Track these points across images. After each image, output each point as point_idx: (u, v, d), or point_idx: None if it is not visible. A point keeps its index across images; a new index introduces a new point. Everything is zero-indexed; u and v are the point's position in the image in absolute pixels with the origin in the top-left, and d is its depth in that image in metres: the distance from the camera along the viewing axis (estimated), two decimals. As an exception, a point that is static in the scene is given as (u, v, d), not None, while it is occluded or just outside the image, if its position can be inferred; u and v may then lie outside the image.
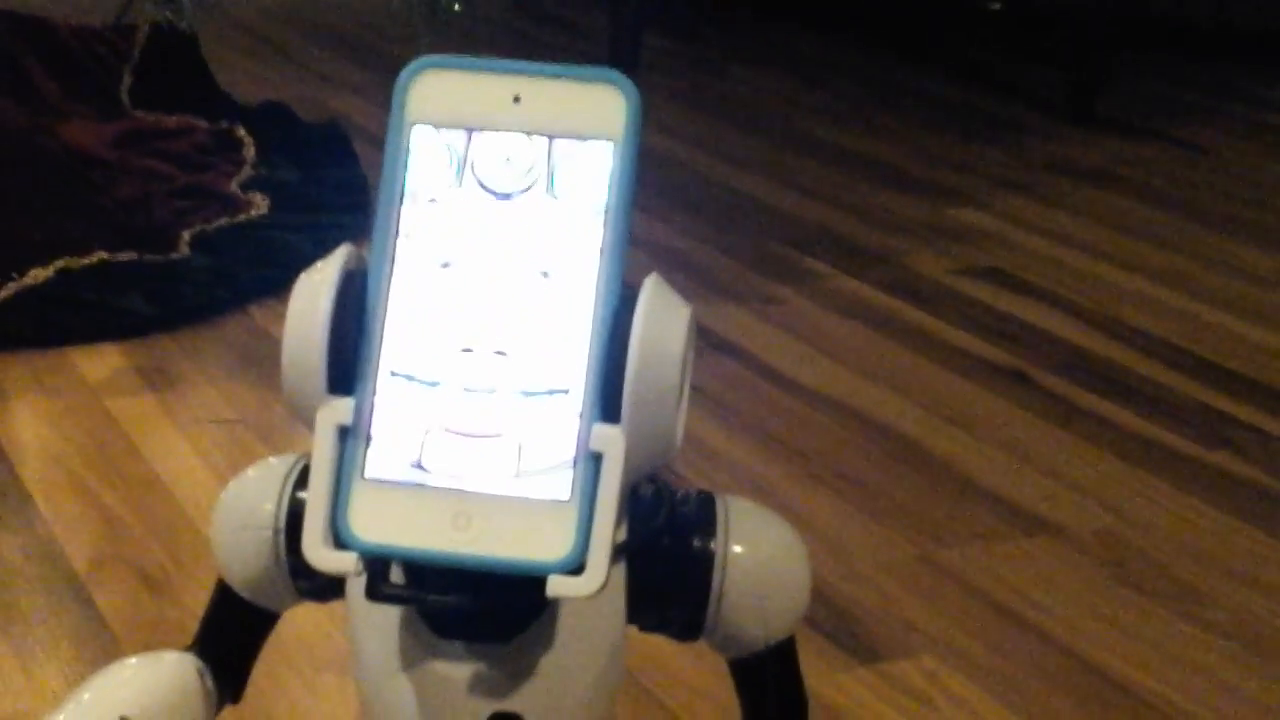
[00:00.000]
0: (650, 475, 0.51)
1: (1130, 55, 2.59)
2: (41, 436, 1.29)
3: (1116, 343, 1.59)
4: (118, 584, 1.08)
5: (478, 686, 0.50)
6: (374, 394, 0.46)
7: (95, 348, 1.45)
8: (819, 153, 2.22)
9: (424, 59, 0.47)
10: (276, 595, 0.57)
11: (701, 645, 0.56)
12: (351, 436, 0.46)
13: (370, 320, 0.46)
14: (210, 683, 0.58)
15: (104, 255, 1.60)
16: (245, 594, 0.57)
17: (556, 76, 0.47)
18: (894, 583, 1.13)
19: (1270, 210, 2.06)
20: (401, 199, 0.47)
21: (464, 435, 0.45)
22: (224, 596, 0.58)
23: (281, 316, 0.47)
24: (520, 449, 0.45)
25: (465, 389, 0.46)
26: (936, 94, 2.58)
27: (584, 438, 0.45)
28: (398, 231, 0.47)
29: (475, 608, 0.48)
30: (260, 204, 1.79)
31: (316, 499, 0.45)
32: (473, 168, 0.47)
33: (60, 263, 1.58)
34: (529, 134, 0.47)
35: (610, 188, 0.46)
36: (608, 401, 0.45)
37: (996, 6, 2.83)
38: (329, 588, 0.55)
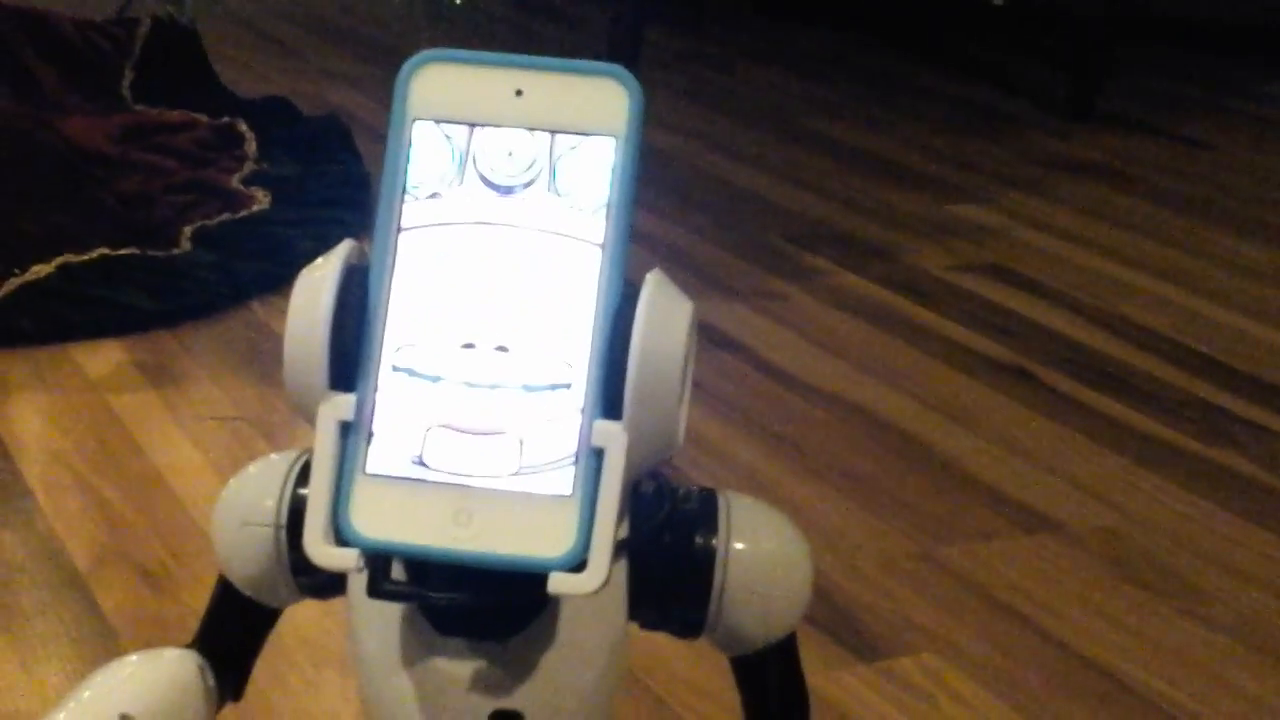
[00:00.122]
0: (651, 472, 0.51)
1: (1131, 51, 2.59)
2: (42, 433, 1.29)
3: (1117, 339, 1.59)
4: (118, 581, 1.08)
5: (478, 684, 0.50)
6: (376, 390, 0.46)
7: (96, 344, 1.45)
8: (820, 149, 2.22)
9: (425, 53, 0.47)
10: (277, 592, 0.57)
11: (703, 643, 0.56)
12: (353, 432, 0.46)
13: (372, 316, 0.46)
14: (211, 680, 0.58)
15: (105, 251, 1.60)
16: (246, 591, 0.57)
17: (559, 71, 0.47)
18: (895, 580, 1.13)
19: (1271, 206, 2.06)
20: (403, 194, 0.47)
21: (465, 431, 0.45)
22: (225, 593, 0.58)
23: (283, 312, 0.46)
24: (522, 445, 0.45)
25: (467, 385, 0.46)
26: (938, 90, 2.58)
27: (586, 434, 0.45)
28: (399, 226, 0.46)
29: (476, 605, 0.48)
30: (261, 199, 1.79)
31: (318, 495, 0.45)
32: (474, 162, 0.47)
33: (61, 258, 1.58)
34: (531, 129, 0.47)
35: (612, 183, 0.46)
36: (609, 397, 0.45)
37: (998, 3, 2.83)
38: (330, 584, 0.54)
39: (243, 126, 2.01)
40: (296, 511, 0.54)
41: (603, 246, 0.46)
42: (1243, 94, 2.62)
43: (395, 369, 0.46)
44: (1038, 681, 1.02)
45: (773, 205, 1.97)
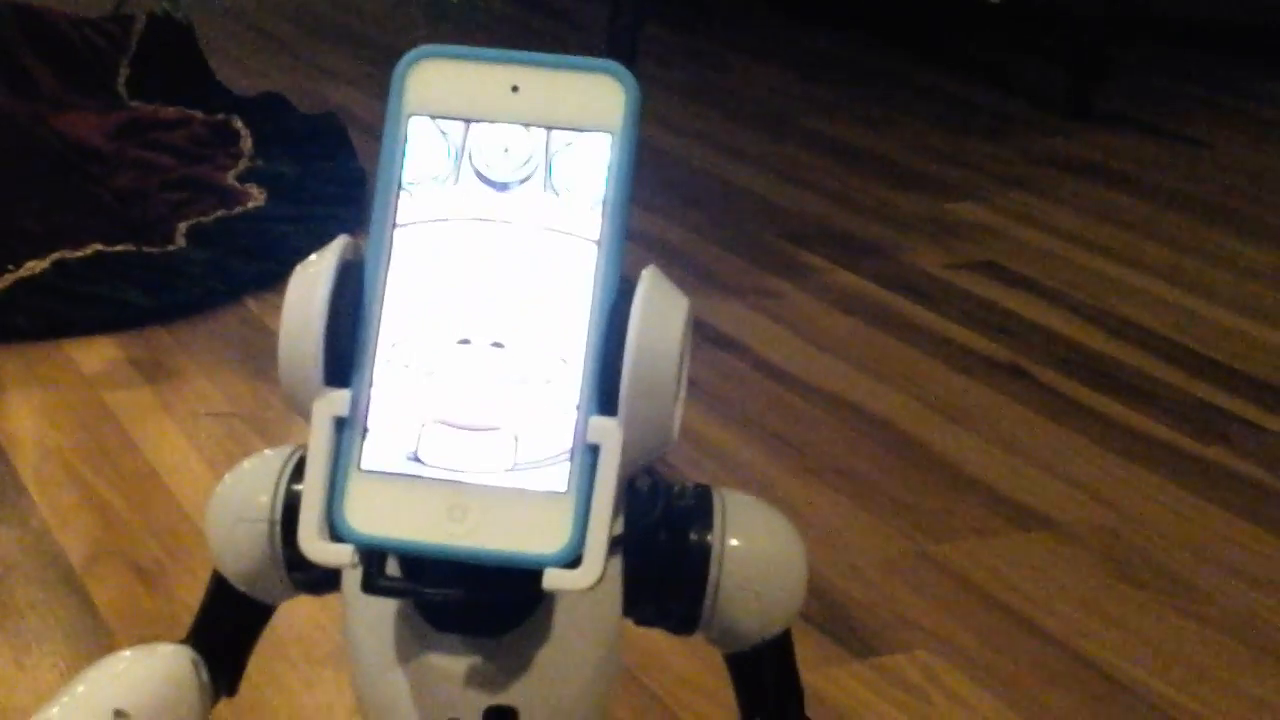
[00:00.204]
0: (647, 468, 0.51)
1: (1129, 50, 2.59)
2: (37, 429, 1.29)
3: (1114, 338, 1.59)
4: (113, 577, 1.08)
5: (473, 680, 0.50)
6: (371, 386, 0.46)
7: (91, 340, 1.45)
8: (816, 146, 2.22)
9: (422, 48, 0.47)
10: (272, 588, 0.57)
11: (698, 639, 0.56)
12: (348, 428, 0.46)
13: (367, 312, 0.46)
14: (205, 676, 0.58)
15: (100, 247, 1.60)
16: (241, 587, 0.57)
17: (555, 67, 0.47)
18: (890, 577, 1.13)
19: (1268, 205, 2.06)
20: (399, 189, 0.46)
21: (461, 427, 0.45)
22: (219, 589, 0.58)
23: (278, 309, 0.46)
24: (517, 441, 0.45)
25: (462, 381, 0.45)
26: (934, 88, 2.58)
27: (581, 430, 0.45)
28: (395, 222, 0.46)
29: (471, 601, 0.48)
30: (257, 196, 1.79)
31: (312, 491, 0.45)
32: (470, 158, 0.47)
33: (56, 254, 1.57)
34: (527, 125, 0.46)
35: (608, 179, 0.46)
36: (605, 393, 0.45)
37: (995, 1, 2.83)
38: (325, 580, 0.54)
39: (238, 123, 2.00)
40: (291, 507, 0.54)
41: (599, 243, 0.46)
42: (1241, 93, 2.62)
43: (390, 365, 0.46)
44: (1033, 679, 1.02)
45: (769, 203, 1.97)
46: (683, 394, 0.47)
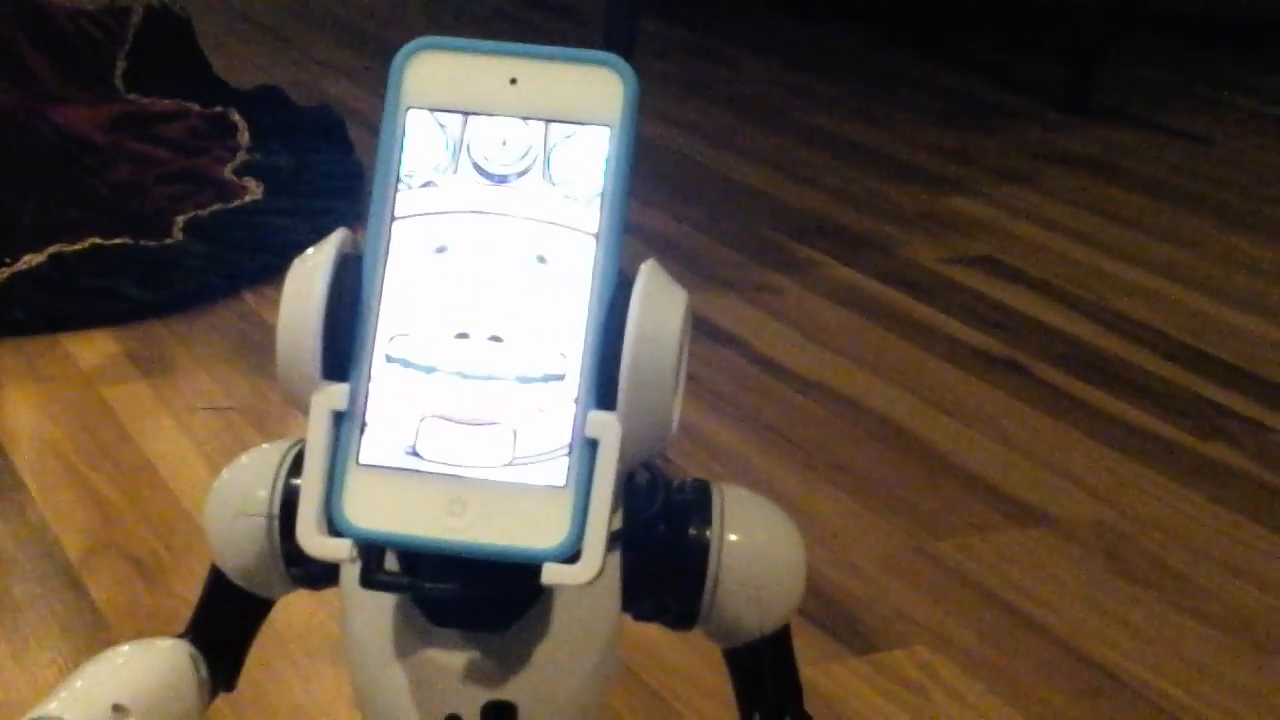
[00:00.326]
0: (645, 463, 0.51)
1: (1126, 44, 2.59)
2: (34, 423, 1.29)
3: (1111, 333, 1.59)
4: (111, 571, 1.07)
5: (472, 675, 0.50)
6: (369, 380, 0.45)
7: (88, 334, 1.45)
8: (814, 141, 2.22)
9: (420, 41, 0.47)
10: (270, 582, 0.57)
11: (696, 634, 0.56)
12: (346, 422, 0.45)
13: (365, 305, 0.46)
14: (204, 670, 0.57)
15: (97, 240, 1.60)
16: (239, 581, 0.57)
17: (554, 59, 0.47)
18: (888, 573, 1.13)
19: (1267, 201, 2.06)
20: (397, 182, 0.46)
21: (459, 422, 0.45)
22: (218, 584, 0.58)
23: (275, 302, 0.46)
24: (515, 435, 0.45)
25: (460, 375, 0.45)
26: (932, 82, 2.58)
27: (580, 424, 0.45)
28: (393, 215, 0.46)
29: (470, 595, 0.48)
30: (254, 189, 1.79)
31: (311, 485, 0.45)
32: (469, 151, 0.46)
33: (53, 248, 1.57)
34: (525, 118, 0.46)
35: (607, 173, 0.46)
36: (603, 388, 0.45)
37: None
38: (323, 575, 0.54)
39: (235, 116, 2.00)
40: (289, 502, 0.54)
41: (597, 236, 0.46)
42: (1238, 88, 2.62)
43: (389, 359, 0.46)
44: (1030, 674, 1.02)
45: (767, 198, 1.97)
46: (681, 388, 0.47)
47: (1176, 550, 1.18)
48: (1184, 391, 1.46)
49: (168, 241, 1.63)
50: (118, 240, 1.61)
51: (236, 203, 1.74)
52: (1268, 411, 1.42)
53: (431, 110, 0.47)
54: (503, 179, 0.46)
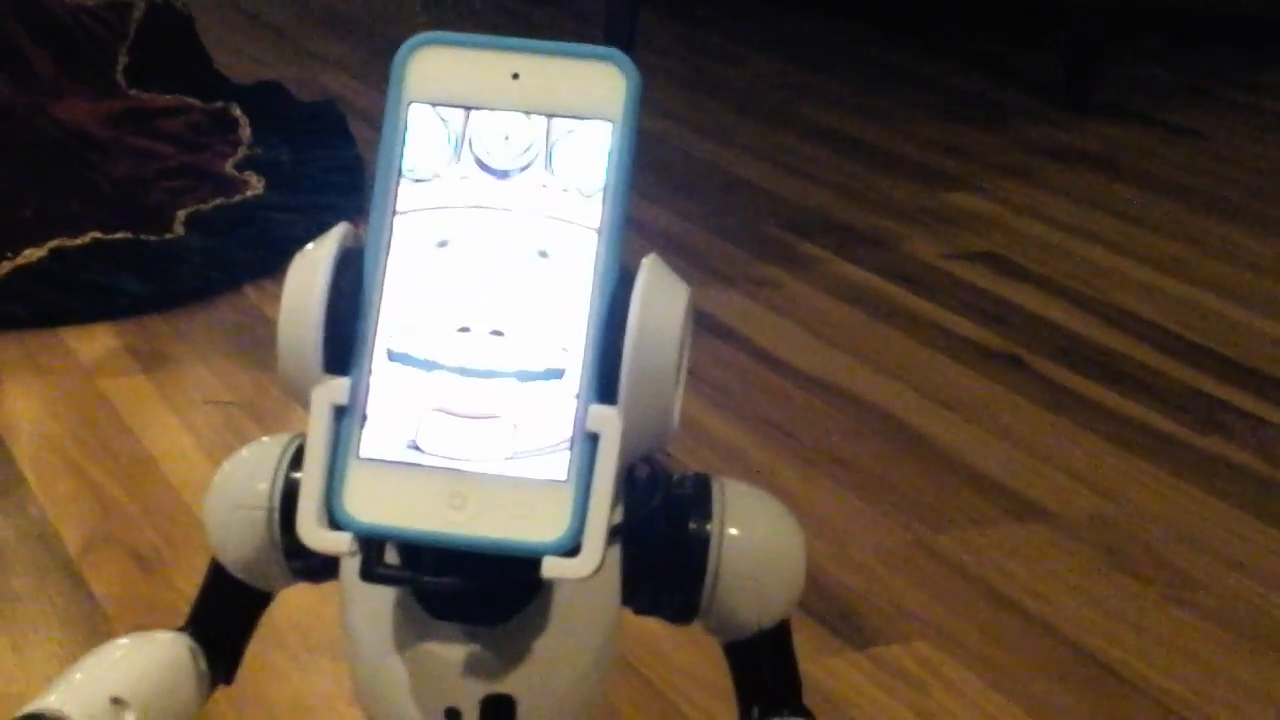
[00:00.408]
0: (646, 457, 0.51)
1: (1126, 41, 2.59)
2: (35, 417, 1.29)
3: (1111, 328, 1.59)
4: (110, 565, 1.08)
5: (471, 668, 0.50)
6: (370, 373, 0.46)
7: (89, 328, 1.45)
8: (815, 137, 2.22)
9: (422, 36, 0.47)
10: (270, 575, 0.57)
11: (696, 628, 0.56)
12: (347, 416, 0.45)
13: (367, 299, 0.46)
14: (203, 663, 0.58)
15: (98, 235, 1.60)
16: (239, 574, 0.57)
17: (555, 54, 0.47)
18: (888, 567, 1.13)
19: (1265, 196, 2.06)
20: (399, 177, 0.46)
21: (460, 415, 0.45)
22: (217, 577, 0.58)
23: (276, 297, 0.46)
24: (516, 429, 0.45)
25: (462, 369, 0.45)
26: (932, 78, 2.58)
27: (581, 418, 0.45)
28: (395, 210, 0.46)
29: (470, 589, 0.48)
30: (255, 184, 1.79)
31: (311, 478, 0.45)
32: (470, 146, 0.46)
33: (54, 242, 1.57)
34: (527, 112, 0.46)
35: (609, 167, 0.46)
36: (605, 382, 0.45)
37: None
38: (323, 568, 0.54)
39: (236, 111, 2.00)
40: (289, 495, 0.54)
41: (599, 231, 0.46)
42: (1237, 84, 2.62)
43: (390, 352, 0.46)
44: (1030, 669, 1.02)
45: (768, 193, 1.97)
46: (683, 383, 0.47)
47: (1175, 544, 1.18)
48: (1183, 386, 1.46)
49: (169, 236, 1.63)
50: (119, 235, 1.61)
51: (238, 198, 1.74)
52: (1267, 406, 1.43)
53: (433, 105, 0.47)
54: (504, 174, 0.46)
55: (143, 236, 1.61)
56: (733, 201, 1.93)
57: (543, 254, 0.46)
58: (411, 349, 0.46)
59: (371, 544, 0.46)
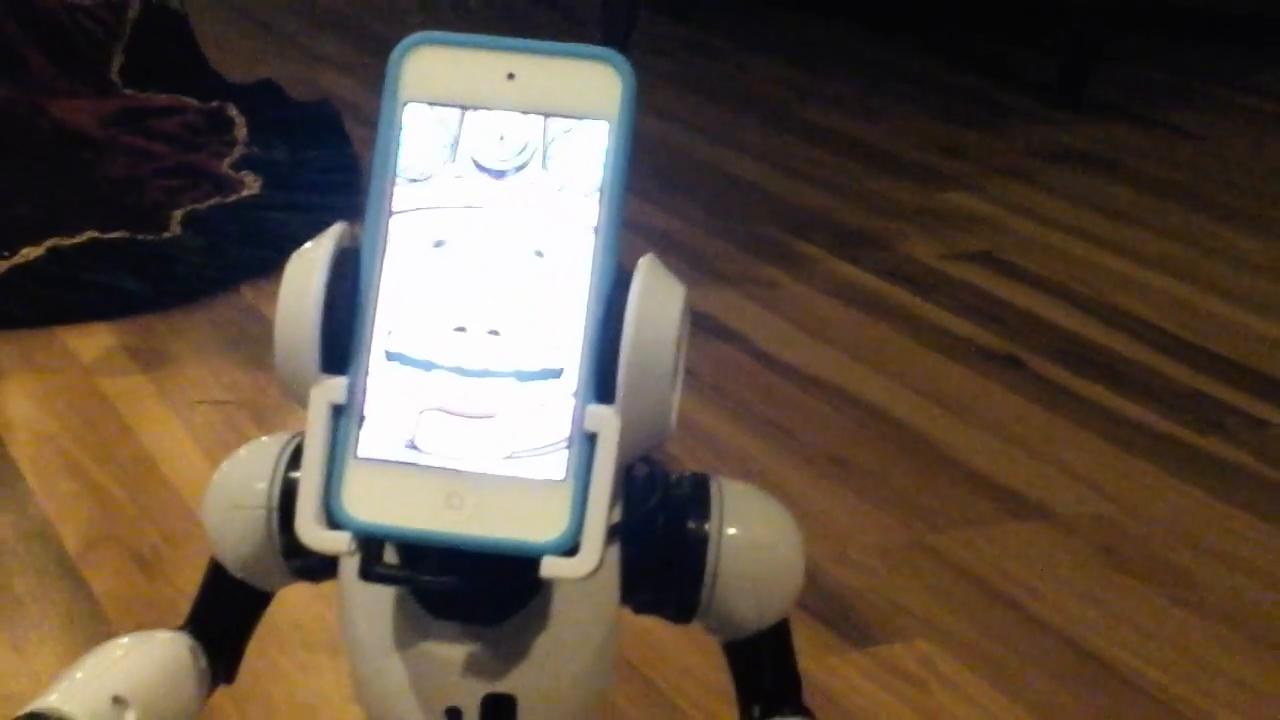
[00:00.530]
0: (644, 457, 0.51)
1: (1122, 40, 2.59)
2: (32, 416, 1.29)
3: (1109, 327, 1.59)
4: (110, 564, 1.07)
5: (471, 667, 0.50)
6: (367, 373, 0.46)
7: (86, 327, 1.45)
8: (812, 137, 2.22)
9: (418, 35, 0.47)
10: (269, 575, 0.57)
11: (695, 627, 0.56)
12: (345, 415, 0.45)
13: (363, 299, 0.46)
14: (203, 662, 0.58)
15: (95, 234, 1.60)
16: (238, 573, 0.57)
17: (552, 54, 0.47)
18: (887, 566, 1.13)
19: (1263, 196, 2.06)
20: (394, 177, 0.46)
21: (458, 415, 0.45)
22: (217, 576, 0.58)
23: (273, 296, 0.46)
24: (514, 429, 0.45)
25: (459, 369, 0.45)
26: (929, 78, 2.58)
27: (578, 418, 0.45)
28: (391, 210, 0.46)
29: (469, 588, 0.48)
30: (251, 184, 1.79)
31: (309, 478, 0.45)
32: (466, 145, 0.46)
33: (51, 241, 1.57)
34: (523, 112, 0.46)
35: (605, 167, 0.46)
36: (602, 382, 0.45)
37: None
38: (322, 567, 0.54)
39: (233, 111, 2.00)
40: (288, 494, 0.54)
41: (595, 231, 0.46)
42: (1233, 83, 2.62)
43: (387, 352, 0.46)
44: (1030, 668, 1.02)
45: (766, 193, 1.97)
46: (680, 382, 0.47)
47: (1174, 544, 1.18)
48: (1181, 386, 1.46)
49: (165, 235, 1.63)
50: (115, 234, 1.61)
51: (234, 197, 1.74)
52: (1264, 405, 1.43)
53: (429, 105, 0.46)
54: (500, 173, 0.46)
55: (139, 236, 1.61)
56: (730, 201, 1.93)
57: (539, 254, 0.46)
58: (408, 349, 0.46)
59: (370, 543, 0.46)
